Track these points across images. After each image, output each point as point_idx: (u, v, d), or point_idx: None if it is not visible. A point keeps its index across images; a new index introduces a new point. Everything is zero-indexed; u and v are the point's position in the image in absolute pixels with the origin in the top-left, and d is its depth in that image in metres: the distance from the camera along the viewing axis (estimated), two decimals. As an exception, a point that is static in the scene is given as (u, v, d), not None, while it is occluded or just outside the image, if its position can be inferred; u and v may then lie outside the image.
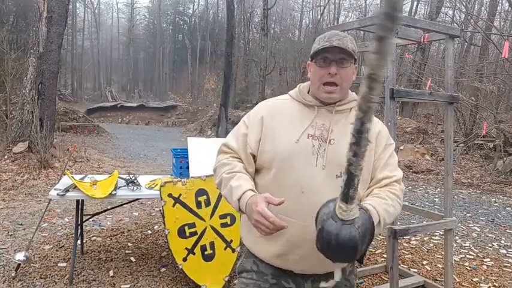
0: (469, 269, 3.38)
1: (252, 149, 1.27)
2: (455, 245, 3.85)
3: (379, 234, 3.96)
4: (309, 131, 1.23)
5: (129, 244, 3.57)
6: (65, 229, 3.94)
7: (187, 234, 2.67)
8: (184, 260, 2.66)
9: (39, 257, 3.17)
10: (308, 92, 1.31)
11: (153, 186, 2.95)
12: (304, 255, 1.21)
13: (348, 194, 0.94)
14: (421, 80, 10.90)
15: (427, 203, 5.89)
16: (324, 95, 1.24)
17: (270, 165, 1.24)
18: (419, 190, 6.90)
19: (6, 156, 6.76)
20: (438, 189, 7.01)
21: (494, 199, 6.35)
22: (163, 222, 2.68)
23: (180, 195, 2.68)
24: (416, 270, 3.27)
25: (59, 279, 2.82)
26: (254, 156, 1.29)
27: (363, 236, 0.98)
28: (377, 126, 1.30)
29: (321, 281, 1.15)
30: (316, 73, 1.24)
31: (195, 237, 2.69)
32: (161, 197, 2.66)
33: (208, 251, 2.71)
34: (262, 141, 1.26)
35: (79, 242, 3.22)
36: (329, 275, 1.15)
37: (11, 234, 3.72)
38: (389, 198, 1.21)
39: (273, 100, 1.38)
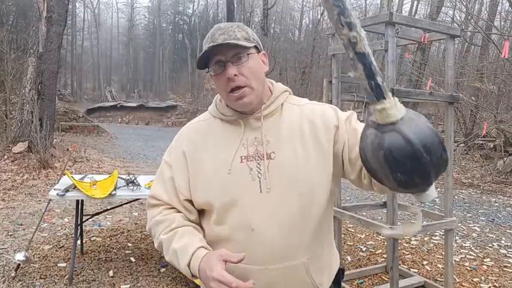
0: (469, 269, 3.37)
1: (184, 195, 1.04)
2: (455, 245, 3.84)
3: (380, 235, 3.96)
4: (240, 153, 1.00)
5: (129, 244, 3.57)
6: (65, 229, 3.93)
7: (187, 234, 2.66)
8: (184, 260, 2.65)
9: (39, 257, 3.17)
10: (228, 106, 1.06)
11: (153, 186, 2.95)
12: None
13: (375, 86, 0.67)
14: (421, 80, 10.89)
15: (427, 203, 5.89)
16: (236, 103, 0.99)
17: (208, 207, 1.03)
18: (420, 190, 6.90)
19: (6, 156, 6.76)
20: (438, 189, 7.01)
21: (494, 199, 6.35)
22: (163, 223, 2.67)
23: (180, 195, 2.67)
24: (416, 271, 3.27)
25: (58, 279, 2.81)
26: (191, 201, 1.06)
27: (421, 138, 0.66)
28: (323, 106, 1.09)
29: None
30: (218, 83, 1.00)
31: (195, 238, 2.68)
32: (161, 197, 2.65)
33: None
34: (192, 180, 1.03)
35: (79, 242, 3.22)
36: None
37: (11, 235, 3.71)
38: None
39: (194, 123, 1.13)
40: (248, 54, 0.98)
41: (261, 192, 0.98)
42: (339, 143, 1.02)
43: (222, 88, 1.00)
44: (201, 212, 1.09)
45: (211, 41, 0.98)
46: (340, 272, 1.16)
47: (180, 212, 1.07)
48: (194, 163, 1.04)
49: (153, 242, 3.43)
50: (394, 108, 0.67)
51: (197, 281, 2.68)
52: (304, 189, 0.99)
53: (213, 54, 0.98)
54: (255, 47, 1.01)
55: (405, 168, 0.67)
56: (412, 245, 3.92)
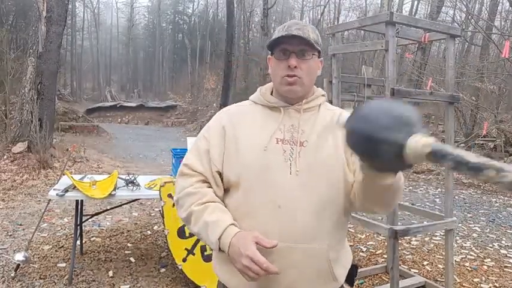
0: (469, 269, 3.37)
1: (217, 166, 1.10)
2: (455, 246, 3.84)
3: (380, 235, 3.95)
4: (277, 135, 1.08)
5: (129, 244, 3.56)
6: (65, 229, 3.93)
7: (187, 234, 2.66)
8: (184, 260, 2.65)
9: (39, 257, 3.16)
10: (271, 94, 1.17)
11: (152, 186, 2.94)
12: (290, 282, 1.04)
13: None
14: (421, 79, 10.89)
15: (427, 204, 5.88)
16: (284, 87, 1.09)
17: (237, 181, 1.08)
18: (420, 190, 6.89)
19: (5, 156, 6.75)
20: (439, 189, 7.00)
21: (494, 199, 6.34)
22: (163, 223, 2.67)
23: (180, 195, 2.66)
24: (416, 271, 3.26)
25: (58, 279, 2.81)
26: (221, 174, 1.12)
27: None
28: (339, 110, 1.18)
29: None
30: (276, 67, 1.10)
31: (195, 238, 2.68)
32: (161, 197, 2.64)
33: (208, 252, 2.70)
34: (226, 154, 1.10)
35: (78, 242, 3.22)
36: None
37: (11, 235, 3.71)
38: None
39: (234, 106, 1.22)
40: (312, 55, 1.09)
41: (290, 174, 1.05)
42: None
43: (278, 72, 1.09)
44: (225, 190, 1.13)
45: (286, 30, 1.07)
46: (354, 268, 1.19)
47: (211, 187, 1.11)
48: (231, 139, 1.11)
49: (152, 243, 3.40)
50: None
51: (197, 281, 2.68)
52: (331, 177, 1.07)
53: (283, 43, 1.07)
54: (319, 51, 1.11)
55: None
56: (413, 245, 3.91)
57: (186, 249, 2.66)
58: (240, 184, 1.07)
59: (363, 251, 3.69)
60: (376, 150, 0.72)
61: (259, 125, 1.11)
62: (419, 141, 0.68)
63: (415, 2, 21.01)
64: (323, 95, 1.19)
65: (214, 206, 1.07)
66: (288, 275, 1.03)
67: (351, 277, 1.17)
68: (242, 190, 1.07)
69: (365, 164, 0.84)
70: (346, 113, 1.03)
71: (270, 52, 1.13)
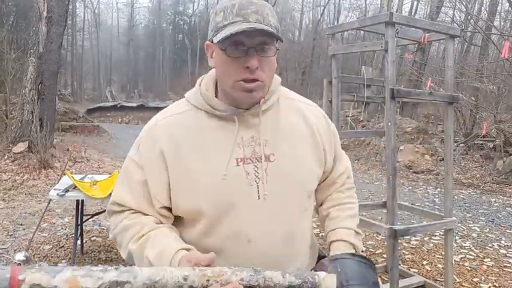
0: (469, 269, 3.37)
1: (161, 202, 0.89)
2: (455, 245, 3.84)
3: (379, 234, 3.96)
4: (236, 155, 0.87)
5: (129, 244, 3.57)
6: (65, 229, 3.93)
7: (187, 234, 2.67)
8: (184, 260, 2.66)
9: (39, 257, 3.17)
10: (216, 95, 0.91)
11: (153, 186, 2.95)
12: None
13: None
14: (421, 80, 10.90)
15: (427, 203, 5.89)
16: (241, 93, 0.85)
17: (196, 217, 0.89)
18: (419, 190, 6.90)
19: (6, 156, 6.76)
20: (438, 189, 7.01)
21: (494, 199, 6.35)
22: (163, 222, 2.67)
23: (180, 195, 2.67)
24: (416, 271, 3.27)
25: (59, 279, 2.81)
26: (167, 208, 0.91)
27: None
28: (317, 110, 1.03)
29: None
30: (227, 66, 0.83)
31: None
32: (161, 197, 2.65)
33: (208, 251, 2.71)
34: (174, 187, 0.88)
35: (79, 242, 3.22)
36: None
37: (11, 234, 3.72)
38: (353, 205, 1.06)
39: (169, 117, 0.92)
40: (276, 50, 0.85)
41: (258, 198, 0.88)
42: (328, 153, 1.00)
43: (232, 73, 0.83)
44: (181, 220, 0.93)
45: (239, 15, 0.80)
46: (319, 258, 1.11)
47: (150, 215, 0.91)
48: (177, 165, 0.87)
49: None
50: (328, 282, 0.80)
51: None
52: (302, 193, 0.94)
53: (238, 34, 0.78)
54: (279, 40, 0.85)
55: None
56: (412, 245, 3.92)
57: (186, 248, 2.66)
58: (199, 218, 0.88)
59: (362, 251, 3.69)
60: None
61: (211, 142, 0.88)
62: None
63: (415, 3, 21.02)
64: (279, 83, 0.97)
65: (155, 235, 0.86)
66: None
67: None
68: (204, 225, 0.89)
69: None
70: (314, 110, 1.02)
71: (210, 39, 0.87)
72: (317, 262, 1.04)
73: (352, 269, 0.84)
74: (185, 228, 0.93)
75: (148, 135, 0.93)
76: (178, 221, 0.94)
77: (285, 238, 0.91)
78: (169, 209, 0.92)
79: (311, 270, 0.94)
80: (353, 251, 0.95)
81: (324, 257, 1.08)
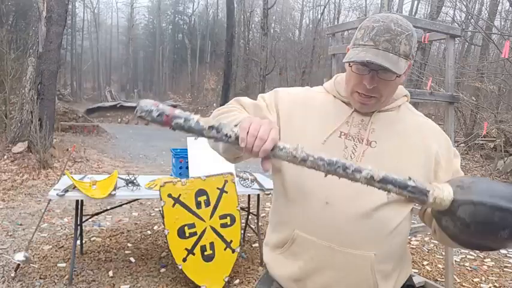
0: (469, 269, 3.37)
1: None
2: (455, 245, 3.83)
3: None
4: (342, 128, 0.98)
5: (129, 244, 3.56)
6: (65, 229, 3.93)
7: (187, 234, 2.66)
8: (184, 260, 2.65)
9: (39, 257, 3.16)
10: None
11: (152, 186, 2.94)
12: (326, 285, 0.96)
13: (413, 190, 0.75)
14: (421, 79, 10.89)
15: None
16: (357, 104, 0.98)
17: (288, 169, 0.98)
18: (420, 190, 6.89)
19: (5, 156, 6.75)
20: (438, 189, 7.00)
21: (494, 199, 6.34)
22: (163, 223, 2.67)
23: (180, 195, 2.67)
24: (416, 271, 3.26)
25: (58, 279, 2.81)
26: None
27: (486, 193, 0.73)
28: (432, 123, 1.07)
29: None
30: (349, 77, 0.97)
31: (195, 238, 2.68)
32: (161, 197, 2.65)
33: (208, 252, 2.70)
34: (283, 133, 0.98)
35: (78, 242, 3.22)
36: None
37: (11, 235, 3.71)
38: None
39: (304, 89, 1.12)
40: (396, 77, 0.93)
41: None
42: (441, 177, 0.99)
43: (353, 84, 0.96)
44: (279, 168, 1.02)
45: (373, 40, 0.90)
46: (408, 287, 1.07)
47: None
48: (288, 120, 1.01)
49: (152, 243, 3.40)
50: (441, 193, 0.73)
51: (197, 281, 2.68)
52: None
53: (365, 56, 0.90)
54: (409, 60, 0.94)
55: (499, 222, 0.70)
56: (413, 245, 3.91)
57: (186, 249, 2.66)
58: (291, 169, 0.94)
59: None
60: (505, 219, 0.70)
61: (326, 113, 1.01)
62: None
63: (415, 2, 21.02)
64: (405, 95, 1.07)
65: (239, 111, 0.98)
66: (324, 275, 0.96)
67: None
68: (293, 177, 0.98)
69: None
70: (431, 123, 1.07)
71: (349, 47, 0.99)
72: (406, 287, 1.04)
73: (481, 181, 0.76)
74: (280, 179, 1.02)
75: (276, 94, 1.08)
76: (276, 172, 1.04)
77: (361, 215, 0.93)
78: None
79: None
80: None
81: (414, 287, 1.08)
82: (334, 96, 1.04)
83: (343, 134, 0.98)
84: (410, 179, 0.74)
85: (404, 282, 1.05)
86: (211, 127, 0.78)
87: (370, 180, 0.75)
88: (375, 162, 0.90)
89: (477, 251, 3.82)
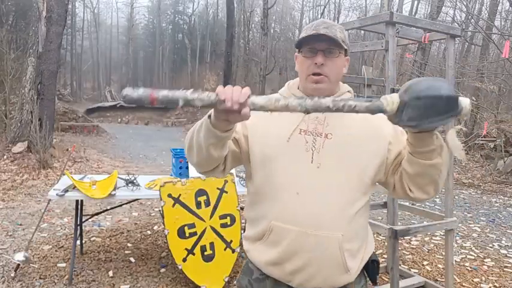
0: (469, 269, 3.37)
1: (237, 131, 1.13)
2: (455, 246, 3.84)
3: (380, 235, 3.95)
4: (301, 126, 1.12)
5: (129, 244, 3.56)
6: (64, 229, 3.93)
7: (187, 234, 2.66)
8: (184, 260, 2.65)
9: (39, 257, 3.16)
10: (298, 88, 1.20)
11: (152, 186, 2.94)
12: (302, 266, 1.09)
13: (370, 102, 0.90)
14: (421, 79, 10.87)
15: (427, 204, 5.88)
16: (310, 85, 1.12)
17: (260, 166, 1.13)
18: (420, 190, 6.89)
19: (5, 156, 6.75)
20: (438, 189, 6.99)
21: (495, 199, 6.34)
22: (163, 223, 2.67)
23: (180, 195, 2.67)
24: (416, 271, 3.26)
25: (58, 279, 2.81)
26: (237, 141, 1.15)
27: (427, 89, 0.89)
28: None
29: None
30: (303, 64, 1.13)
31: (195, 238, 2.68)
32: (161, 197, 2.64)
33: (208, 252, 2.70)
34: (251, 139, 1.14)
35: (78, 242, 3.22)
36: None
37: (10, 235, 3.71)
38: None
39: None
40: (339, 53, 1.11)
41: (311, 163, 1.09)
42: (393, 151, 1.13)
43: (305, 69, 1.12)
44: (248, 177, 1.19)
45: (314, 29, 1.10)
46: (373, 263, 1.20)
47: None
48: (254, 127, 1.14)
49: (152, 243, 3.39)
50: (390, 97, 0.90)
51: (197, 281, 2.68)
52: (353, 174, 1.09)
53: (310, 41, 1.09)
54: (345, 50, 1.13)
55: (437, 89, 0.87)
56: (413, 245, 3.91)
57: (186, 249, 2.66)
58: (262, 169, 1.12)
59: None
60: (446, 104, 0.86)
61: (284, 116, 1.08)
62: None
63: (415, 2, 21.01)
64: (348, 91, 1.21)
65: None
66: (300, 258, 1.08)
67: (371, 272, 1.20)
68: (264, 174, 1.12)
69: (420, 127, 0.91)
70: (384, 117, 1.16)
71: (297, 50, 1.16)
72: (370, 262, 1.18)
73: (417, 81, 0.90)
74: (250, 181, 1.17)
75: None
76: (247, 179, 1.20)
77: (327, 201, 1.07)
78: (236, 143, 1.15)
79: (364, 267, 1.15)
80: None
81: (378, 262, 1.22)
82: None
83: (302, 131, 1.12)
84: (368, 99, 0.89)
85: (369, 259, 1.19)
86: (194, 91, 0.88)
87: (337, 103, 0.87)
88: (334, 151, 1.09)
89: (477, 251, 3.82)
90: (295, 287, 1.11)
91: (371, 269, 1.19)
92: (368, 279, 1.22)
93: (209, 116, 0.99)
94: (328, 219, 1.07)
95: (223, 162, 1.13)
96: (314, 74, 1.10)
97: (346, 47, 1.12)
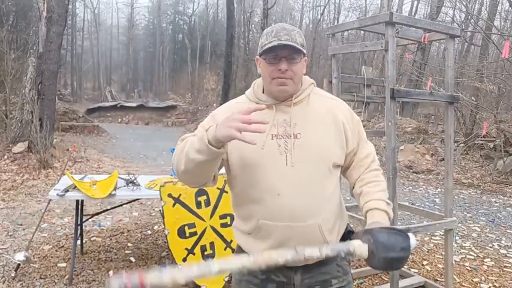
0: (469, 269, 3.37)
1: None
2: (455, 245, 3.84)
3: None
4: (272, 132, 1.21)
5: (129, 244, 3.57)
6: (65, 229, 3.93)
7: (187, 234, 2.66)
8: (184, 260, 2.66)
9: (39, 257, 3.16)
10: (263, 91, 1.28)
11: (152, 186, 2.95)
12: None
13: (343, 255, 1.08)
14: (421, 79, 10.89)
15: (427, 203, 5.89)
16: (276, 88, 1.21)
17: (240, 173, 1.22)
18: (420, 190, 6.90)
19: (5, 156, 6.76)
20: (438, 189, 7.01)
21: (494, 199, 6.35)
22: (163, 223, 2.67)
23: (180, 195, 2.67)
24: (416, 271, 3.26)
25: (58, 279, 2.81)
26: None
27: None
28: (337, 101, 1.35)
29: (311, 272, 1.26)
30: (267, 69, 1.21)
31: (195, 238, 2.68)
32: (161, 197, 2.65)
33: (208, 251, 2.71)
34: (229, 149, 1.18)
35: (79, 242, 3.22)
36: (319, 264, 1.24)
37: (11, 235, 3.71)
38: (380, 182, 1.31)
39: (232, 103, 1.34)
40: (300, 58, 1.21)
41: (286, 164, 1.19)
42: (350, 139, 1.28)
43: (269, 74, 1.21)
44: (229, 181, 1.29)
45: (275, 37, 1.18)
46: (349, 234, 1.36)
47: None
48: None
49: (152, 242, 3.39)
50: (359, 251, 1.05)
51: (197, 281, 2.68)
52: (321, 165, 1.22)
53: (274, 49, 1.17)
54: (304, 53, 1.23)
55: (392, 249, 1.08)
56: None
57: (186, 249, 2.66)
58: (243, 176, 1.22)
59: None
60: (398, 263, 1.10)
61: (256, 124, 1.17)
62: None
63: (415, 2, 21.02)
64: (312, 84, 1.30)
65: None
66: (288, 246, 1.16)
67: (344, 239, 1.33)
68: (245, 181, 1.23)
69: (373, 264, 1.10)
70: (335, 102, 1.33)
71: (258, 54, 1.24)
72: (346, 233, 1.35)
73: (382, 239, 1.06)
74: (232, 185, 1.29)
75: (221, 109, 1.31)
76: (229, 183, 1.30)
77: (305, 195, 1.20)
78: None
79: (341, 238, 1.30)
80: (386, 218, 1.22)
81: (353, 232, 1.37)
82: (256, 103, 1.26)
83: (274, 135, 1.21)
84: (343, 250, 1.07)
85: (345, 231, 1.35)
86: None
87: (320, 255, 1.03)
88: (303, 148, 1.20)
89: (477, 251, 3.82)
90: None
91: (347, 239, 1.31)
92: None
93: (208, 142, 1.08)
94: (309, 210, 1.20)
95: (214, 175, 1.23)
96: (278, 78, 1.19)
97: (305, 51, 1.22)
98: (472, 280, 3.14)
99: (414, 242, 1.19)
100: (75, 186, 2.77)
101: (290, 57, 1.18)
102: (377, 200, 1.25)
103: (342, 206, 1.36)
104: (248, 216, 1.26)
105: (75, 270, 2.88)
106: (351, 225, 1.46)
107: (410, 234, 1.17)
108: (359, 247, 1.05)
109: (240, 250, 1.35)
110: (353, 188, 1.34)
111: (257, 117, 1.06)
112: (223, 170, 1.32)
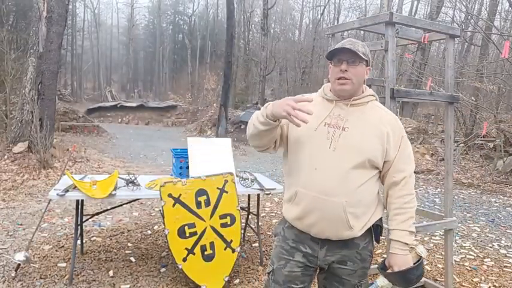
0: (469, 269, 3.37)
1: (282, 122, 1.51)
2: (455, 245, 3.84)
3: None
4: (326, 120, 1.49)
5: (129, 244, 3.57)
6: (65, 229, 3.93)
7: (187, 234, 2.67)
8: (184, 260, 2.66)
9: (39, 257, 3.17)
10: (330, 90, 1.57)
11: (153, 186, 2.95)
12: (316, 220, 1.48)
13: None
14: (421, 79, 10.89)
15: (427, 203, 5.89)
16: (337, 87, 1.49)
17: (294, 147, 1.53)
18: (420, 190, 6.90)
19: (6, 156, 6.75)
20: (438, 189, 7.01)
21: (494, 199, 6.35)
22: (163, 223, 2.67)
23: (180, 195, 2.67)
24: (416, 271, 3.26)
25: (58, 279, 2.81)
26: (281, 128, 1.54)
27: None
28: (391, 116, 1.56)
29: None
30: (332, 71, 1.51)
31: (195, 238, 2.69)
32: (161, 197, 2.65)
33: (208, 251, 2.71)
34: (290, 127, 1.53)
35: (79, 242, 3.22)
36: (340, 242, 1.50)
37: (11, 235, 3.71)
38: (408, 210, 1.52)
39: (312, 95, 1.63)
40: (360, 63, 1.47)
41: (329, 148, 1.46)
42: (390, 150, 1.50)
43: (334, 75, 1.50)
44: (284, 154, 1.61)
45: (341, 45, 1.47)
46: (377, 228, 1.57)
47: None
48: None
49: (153, 242, 3.42)
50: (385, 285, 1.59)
51: (197, 281, 2.68)
52: (357, 157, 1.45)
53: (337, 53, 1.48)
54: (366, 61, 1.49)
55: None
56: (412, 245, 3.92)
57: (186, 248, 2.66)
58: (295, 149, 1.53)
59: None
60: (417, 283, 1.49)
61: (316, 110, 1.45)
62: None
63: (415, 2, 21.02)
64: (372, 95, 1.55)
65: None
66: (314, 215, 1.48)
67: (374, 233, 1.57)
68: (295, 153, 1.53)
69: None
70: (390, 116, 1.56)
71: (326, 57, 1.54)
72: (375, 226, 1.57)
73: (400, 282, 1.52)
74: (286, 157, 1.59)
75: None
76: (284, 156, 1.62)
77: (339, 177, 1.44)
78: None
79: (368, 229, 1.54)
80: (407, 250, 1.52)
81: (381, 227, 1.60)
82: (323, 97, 1.58)
83: (327, 124, 1.50)
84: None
85: (375, 222, 1.54)
86: None
87: None
88: (347, 140, 1.46)
89: (476, 251, 3.82)
90: (314, 235, 1.52)
91: (374, 230, 1.56)
92: (374, 239, 1.59)
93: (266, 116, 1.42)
94: (335, 189, 1.44)
95: (274, 142, 1.55)
96: (340, 78, 1.47)
97: (366, 59, 1.47)
98: (471, 280, 3.14)
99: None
100: (75, 186, 2.77)
101: (350, 60, 1.45)
102: (401, 230, 1.50)
103: (376, 202, 1.55)
104: (290, 185, 1.56)
105: (75, 270, 2.88)
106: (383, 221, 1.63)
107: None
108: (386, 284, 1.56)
109: (281, 220, 1.69)
110: (386, 198, 1.58)
111: (307, 108, 1.33)
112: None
